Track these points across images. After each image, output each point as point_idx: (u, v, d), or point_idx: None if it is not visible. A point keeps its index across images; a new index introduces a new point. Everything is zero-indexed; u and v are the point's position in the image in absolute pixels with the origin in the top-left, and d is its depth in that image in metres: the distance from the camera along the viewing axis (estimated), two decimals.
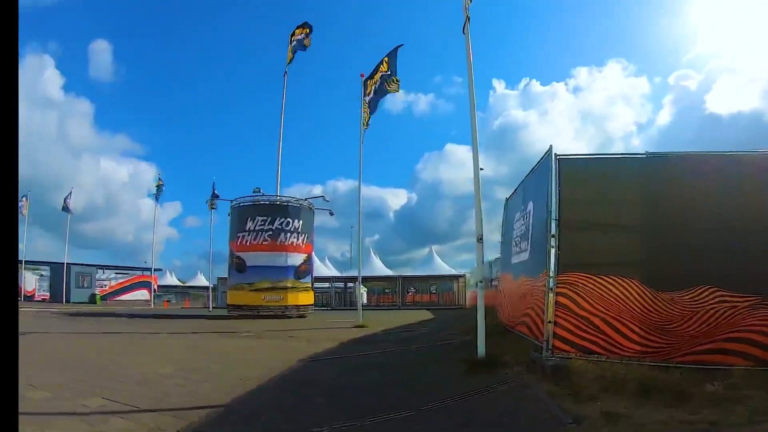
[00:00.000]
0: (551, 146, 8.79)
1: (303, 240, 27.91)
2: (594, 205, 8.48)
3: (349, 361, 10.78)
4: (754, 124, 75.55)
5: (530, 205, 10.74)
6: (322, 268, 47.10)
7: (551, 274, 8.34)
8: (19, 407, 5.43)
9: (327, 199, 31.61)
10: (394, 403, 6.64)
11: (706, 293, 7.78)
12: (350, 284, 50.36)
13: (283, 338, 15.71)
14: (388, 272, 48.01)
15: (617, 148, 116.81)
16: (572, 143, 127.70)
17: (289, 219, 27.32)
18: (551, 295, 8.31)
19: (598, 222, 8.35)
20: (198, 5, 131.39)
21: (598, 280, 8.06)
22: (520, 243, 12.06)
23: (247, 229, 27.36)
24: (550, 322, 8.20)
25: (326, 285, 49.56)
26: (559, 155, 8.60)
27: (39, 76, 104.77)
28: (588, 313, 8.02)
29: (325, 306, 45.60)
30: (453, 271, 46.56)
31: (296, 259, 27.53)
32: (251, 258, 27.19)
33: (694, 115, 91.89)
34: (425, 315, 28.86)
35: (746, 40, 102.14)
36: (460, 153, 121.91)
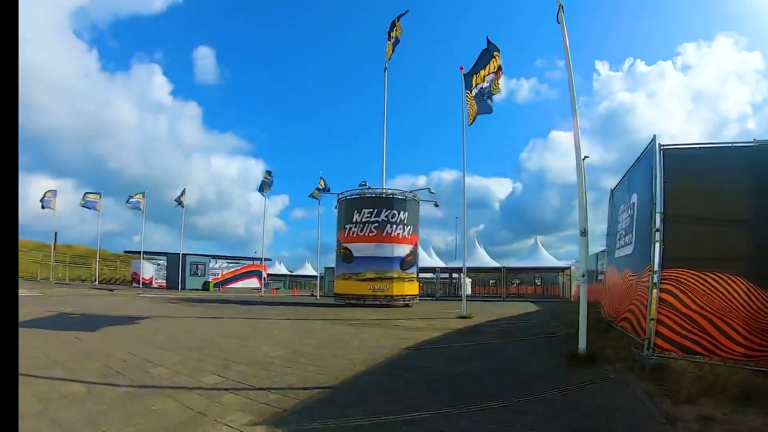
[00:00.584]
0: (654, 136, 8.54)
1: (408, 231, 28.11)
2: (700, 198, 8.15)
3: (453, 350, 10.87)
4: None
5: (635, 197, 10.48)
6: (427, 258, 47.26)
7: (655, 270, 8.18)
8: (141, 380, 5.90)
9: (432, 191, 31.67)
10: (493, 393, 6.80)
11: None
12: (455, 275, 50.40)
13: (388, 327, 15.93)
14: (493, 263, 47.50)
15: (732, 130, 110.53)
16: (684, 126, 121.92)
17: (394, 211, 27.64)
18: (654, 291, 8.16)
19: (704, 216, 8.05)
20: (296, 5, 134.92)
21: (703, 276, 7.75)
22: (624, 236, 11.79)
23: (353, 221, 27.92)
24: (652, 319, 8.06)
25: (431, 275, 49.83)
26: (663, 145, 8.35)
27: (148, 83, 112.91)
28: (692, 311, 7.76)
29: (430, 296, 45.88)
30: (558, 263, 45.67)
31: (402, 249, 27.80)
32: (358, 249, 27.74)
33: None
34: (529, 307, 28.61)
35: None
36: (566, 140, 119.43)
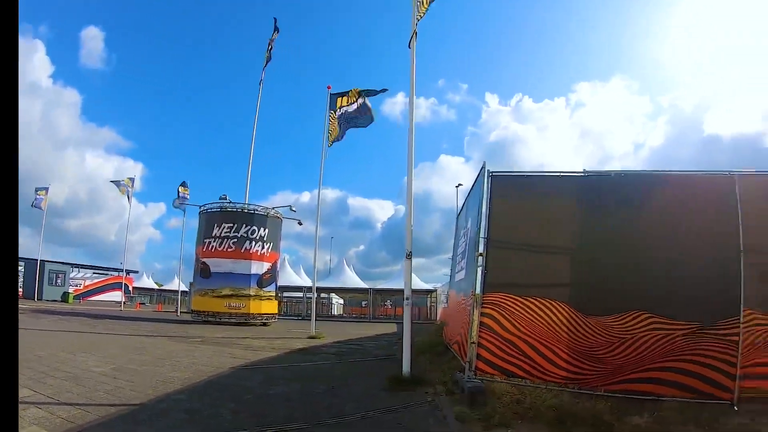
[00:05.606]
0: (485, 162, 8.59)
1: (268, 249, 27.76)
2: (525, 225, 8.27)
3: (280, 371, 10.67)
4: (752, 147, 77.06)
5: (469, 222, 10.55)
6: (294, 277, 46.87)
7: (477, 294, 8.15)
8: None
9: (293, 209, 31.42)
10: (298, 416, 6.61)
11: (639, 319, 7.56)
12: (324, 295, 50.11)
13: (229, 345, 15.52)
14: (362, 284, 47.75)
15: (612, 165, 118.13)
16: (571, 159, 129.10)
17: (254, 227, 27.22)
18: (476, 314, 8.13)
19: (528, 242, 8.16)
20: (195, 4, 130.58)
21: (525, 301, 7.82)
22: (461, 261, 11.90)
23: (213, 234, 27.21)
24: (473, 342, 8.00)
25: (300, 294, 49.27)
26: (492, 172, 8.40)
27: (28, 61, 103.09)
28: (512, 336, 7.78)
29: (297, 315, 45.30)
30: (425, 286, 46.41)
31: (260, 267, 27.38)
32: (216, 264, 27.03)
33: (690, 136, 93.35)
34: (389, 328, 28.62)
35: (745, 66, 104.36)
36: (454, 165, 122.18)
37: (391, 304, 50.44)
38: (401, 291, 35.73)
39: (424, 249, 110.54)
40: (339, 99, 19.71)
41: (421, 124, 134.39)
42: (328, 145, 20.19)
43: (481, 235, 8.17)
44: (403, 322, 9.78)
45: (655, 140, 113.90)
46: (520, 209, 8.40)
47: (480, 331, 7.93)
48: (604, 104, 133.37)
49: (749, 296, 7.46)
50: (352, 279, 48.32)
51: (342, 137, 19.85)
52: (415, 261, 48.77)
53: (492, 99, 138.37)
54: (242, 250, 26.89)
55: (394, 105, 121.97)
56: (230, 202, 28.60)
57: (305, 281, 50.11)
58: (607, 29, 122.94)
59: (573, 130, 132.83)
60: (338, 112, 19.63)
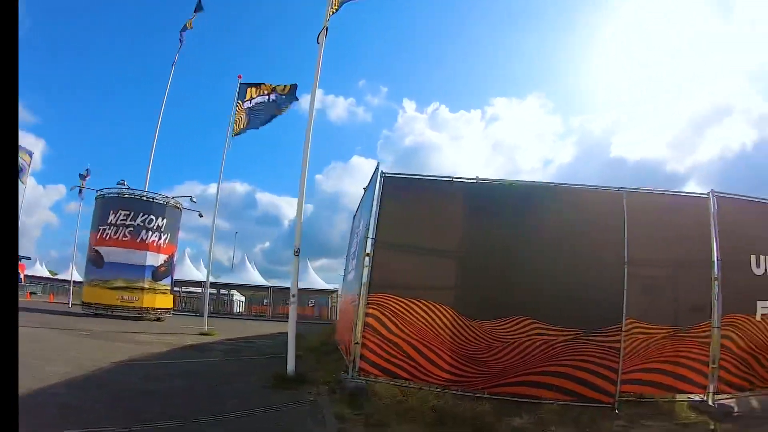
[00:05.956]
0: (378, 163, 8.70)
1: (165, 240, 26.66)
2: (414, 227, 8.42)
3: (165, 367, 10.41)
4: (654, 171, 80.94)
5: (362, 223, 10.53)
6: (194, 272, 45.72)
7: (363, 294, 8.17)
8: None
9: (194, 199, 30.25)
10: (175, 413, 6.49)
11: (522, 325, 7.83)
12: (223, 291, 49.08)
13: (117, 340, 14.99)
14: (264, 282, 47.08)
15: (522, 179, 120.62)
16: (482, 169, 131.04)
17: (152, 216, 25.97)
18: (360, 314, 8.16)
19: (416, 244, 8.31)
20: None
21: (410, 303, 7.94)
22: (352, 260, 11.96)
23: (108, 222, 25.69)
24: (357, 342, 8.05)
25: (199, 290, 47.97)
26: (385, 173, 8.49)
27: None
28: (396, 337, 7.89)
29: (195, 312, 44.11)
30: (327, 286, 46.19)
31: (156, 259, 26.21)
32: (109, 253, 25.56)
33: (597, 157, 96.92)
34: (286, 327, 28.01)
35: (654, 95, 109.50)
36: (367, 167, 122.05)
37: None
38: (304, 290, 35.15)
39: (330, 249, 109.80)
40: (249, 90, 19.34)
41: (336, 124, 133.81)
42: (233, 134, 19.86)
43: (370, 235, 8.22)
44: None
45: (564, 158, 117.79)
46: (410, 211, 8.53)
47: (364, 332, 8.00)
48: (519, 120, 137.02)
49: (631, 305, 7.88)
50: (253, 276, 47.54)
51: (246, 130, 19.48)
52: (320, 261, 48.55)
53: (409, 105, 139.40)
54: (138, 240, 25.57)
55: (318, 97, 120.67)
56: (129, 188, 27.24)
57: (205, 276, 48.86)
58: (530, 50, 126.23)
59: (486, 142, 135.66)
60: (246, 104, 19.27)
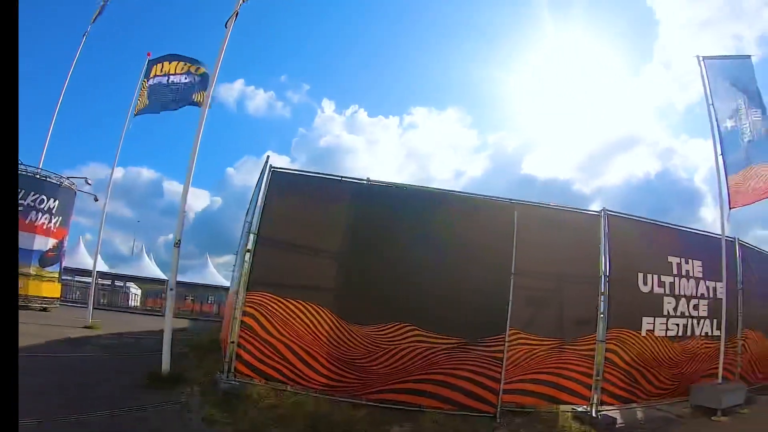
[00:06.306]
0: (268, 156, 8.35)
1: (56, 223, 24.70)
2: (299, 225, 8.17)
3: (35, 360, 9.62)
4: (562, 190, 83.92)
5: (250, 217, 10.15)
6: (89, 260, 43.87)
7: (241, 292, 7.86)
8: None
9: (90, 182, 28.35)
10: (38, 411, 5.95)
11: (403, 331, 7.72)
12: (119, 282, 47.26)
13: None
14: (162, 276, 45.64)
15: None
16: (394, 176, 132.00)
17: (43, 196, 23.84)
18: (238, 313, 7.85)
19: (299, 242, 8.07)
20: None
21: (288, 304, 7.70)
22: (238, 257, 11.55)
23: None
24: (233, 342, 7.73)
25: (89, 279, 46.05)
26: (274, 167, 8.14)
27: None
28: (273, 338, 7.63)
29: (84, 303, 42.28)
30: (226, 283, 45.33)
31: (44, 243, 24.28)
32: None
33: (508, 173, 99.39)
34: (182, 323, 27.15)
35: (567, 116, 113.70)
36: (279, 165, 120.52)
37: (192, 299, 48.74)
38: (204, 286, 34.20)
39: (236, 246, 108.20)
40: (155, 67, 18.32)
41: (254, 116, 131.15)
42: (134, 114, 18.85)
43: (253, 230, 7.87)
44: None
45: (476, 171, 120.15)
46: (296, 209, 8.26)
47: (241, 331, 7.70)
48: (436, 130, 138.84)
49: (516, 316, 7.91)
50: (151, 269, 46.10)
51: (145, 111, 18.48)
52: (225, 257, 47.48)
53: (329, 105, 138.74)
54: (26, 221, 23.20)
55: (230, 91, 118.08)
56: (21, 164, 24.97)
57: (101, 265, 47.07)
58: (455, 65, 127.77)
59: (401, 149, 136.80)
60: (151, 81, 18.32)
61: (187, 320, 32.26)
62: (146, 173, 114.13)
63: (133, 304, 47.52)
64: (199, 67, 17.54)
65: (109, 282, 46.42)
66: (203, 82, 17.22)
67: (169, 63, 18.15)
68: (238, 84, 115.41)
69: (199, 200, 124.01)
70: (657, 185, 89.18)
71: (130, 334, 17.63)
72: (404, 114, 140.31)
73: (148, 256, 47.90)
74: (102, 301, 43.43)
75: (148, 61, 18.77)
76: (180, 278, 42.60)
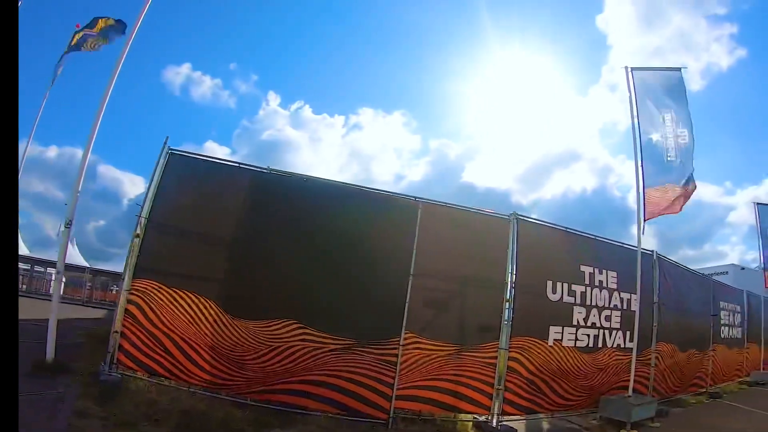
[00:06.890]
0: (167, 138, 7.84)
1: None
2: (191, 210, 7.77)
3: None
4: (501, 200, 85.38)
5: None
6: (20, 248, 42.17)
7: (127, 279, 7.42)
8: None
9: None
10: None
11: (289, 329, 7.39)
12: (38, 268, 45.49)
13: None
14: (83, 263, 44.19)
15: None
16: (336, 174, 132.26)
17: None
18: (122, 301, 7.38)
19: (189, 229, 7.72)
20: None
21: (173, 293, 7.26)
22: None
23: None
24: (116, 331, 7.23)
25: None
26: (172, 149, 7.72)
27: None
28: (157, 329, 7.19)
29: None
30: None
31: None
32: None
33: (448, 179, 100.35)
34: (96, 314, 26.14)
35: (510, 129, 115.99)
36: (220, 155, 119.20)
37: (117, 290, 47.33)
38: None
39: None
40: (75, 35, 17.45)
41: (199, 103, 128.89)
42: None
43: (143, 214, 7.41)
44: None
45: (416, 176, 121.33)
46: (191, 194, 7.83)
47: (124, 320, 7.22)
48: (380, 133, 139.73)
49: (413, 319, 7.68)
50: (72, 255, 44.60)
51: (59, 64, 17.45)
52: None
53: (274, 99, 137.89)
54: None
55: (176, 75, 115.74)
56: None
57: (23, 250, 45.30)
58: (405, 69, 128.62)
59: (344, 148, 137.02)
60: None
61: (106, 310, 31.27)
62: (81, 155, 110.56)
63: (52, 291, 45.74)
64: (109, 18, 16.67)
65: (28, 267, 44.65)
66: (114, 31, 16.41)
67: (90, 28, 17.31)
68: (185, 68, 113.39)
69: (134, 186, 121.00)
70: (593, 200, 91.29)
71: (33, 321, 16.84)
72: (350, 114, 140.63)
73: (70, 242, 45.93)
74: (22, 287, 41.82)
75: (74, 33, 17.94)
76: (104, 266, 41.31)
